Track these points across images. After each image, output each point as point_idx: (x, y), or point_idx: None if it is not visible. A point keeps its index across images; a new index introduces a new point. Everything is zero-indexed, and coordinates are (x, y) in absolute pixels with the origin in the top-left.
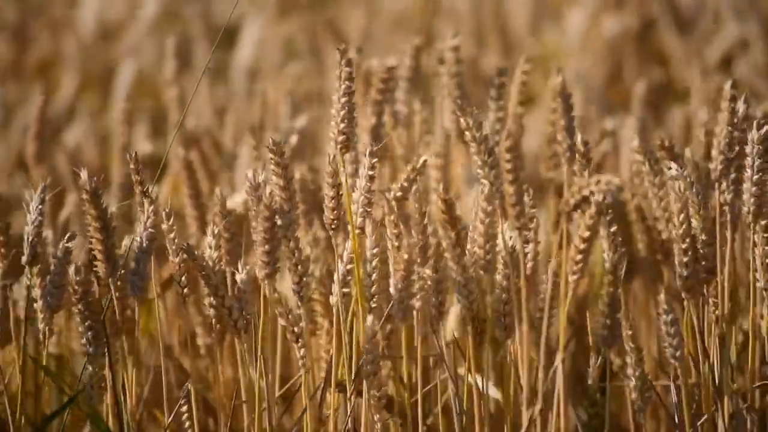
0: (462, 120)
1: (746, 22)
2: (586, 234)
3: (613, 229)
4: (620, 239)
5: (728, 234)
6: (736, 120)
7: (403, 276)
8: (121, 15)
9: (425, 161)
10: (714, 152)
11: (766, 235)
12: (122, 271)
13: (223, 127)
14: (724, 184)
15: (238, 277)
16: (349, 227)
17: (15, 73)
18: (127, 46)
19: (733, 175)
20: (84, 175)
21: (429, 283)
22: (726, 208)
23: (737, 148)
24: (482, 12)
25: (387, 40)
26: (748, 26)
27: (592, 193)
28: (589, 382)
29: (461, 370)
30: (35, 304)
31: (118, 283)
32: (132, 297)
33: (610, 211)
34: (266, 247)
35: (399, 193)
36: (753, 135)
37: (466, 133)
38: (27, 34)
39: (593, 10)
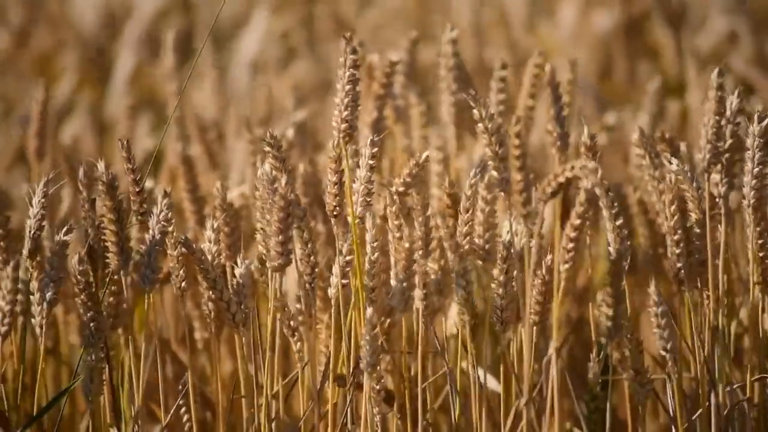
0: (475, 110)
1: (735, 16)
2: (577, 222)
3: (619, 222)
4: (625, 231)
5: (721, 226)
6: (723, 109)
7: (404, 266)
8: (121, 7)
9: (427, 156)
10: (701, 142)
11: (759, 228)
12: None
13: (227, 121)
14: (717, 176)
15: (237, 271)
16: (349, 218)
17: (13, 67)
18: (126, 39)
19: (726, 167)
20: (101, 166)
21: (432, 275)
22: (719, 200)
23: (730, 140)
24: (479, 6)
25: (385, 34)
26: (737, 20)
27: (567, 179)
28: (590, 375)
29: (463, 364)
30: (32, 297)
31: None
32: (144, 288)
33: (615, 204)
34: (280, 237)
35: (402, 188)
36: (754, 128)
37: (479, 124)
38: (26, 27)
39: (583, 5)
